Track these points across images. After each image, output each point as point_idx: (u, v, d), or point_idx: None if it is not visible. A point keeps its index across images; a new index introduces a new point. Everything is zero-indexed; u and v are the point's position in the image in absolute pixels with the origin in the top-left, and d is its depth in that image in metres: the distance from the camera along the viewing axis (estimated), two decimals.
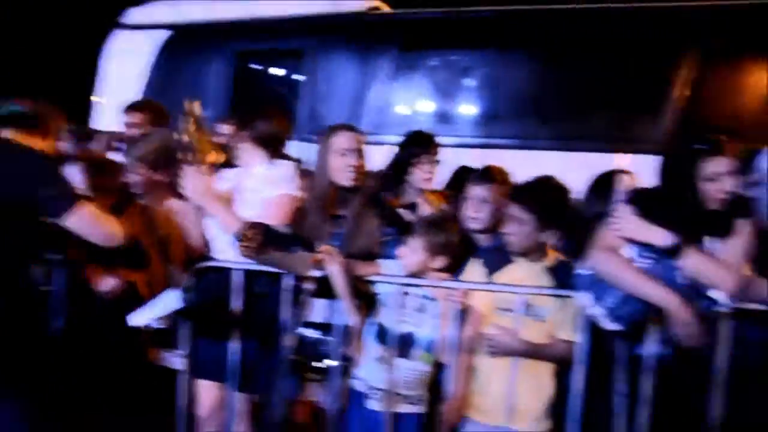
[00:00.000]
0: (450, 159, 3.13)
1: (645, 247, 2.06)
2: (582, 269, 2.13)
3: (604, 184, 2.60)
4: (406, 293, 2.41)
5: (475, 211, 2.53)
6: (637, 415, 2.17)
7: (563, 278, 2.25)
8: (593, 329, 2.17)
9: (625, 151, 3.09)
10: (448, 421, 2.37)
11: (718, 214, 2.05)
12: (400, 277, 2.41)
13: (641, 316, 2.04)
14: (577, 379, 2.22)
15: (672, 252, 2.01)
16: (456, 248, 2.44)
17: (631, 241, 2.08)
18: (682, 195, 2.04)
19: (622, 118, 3.75)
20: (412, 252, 2.40)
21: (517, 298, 2.27)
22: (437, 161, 2.93)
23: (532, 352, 2.32)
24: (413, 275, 2.40)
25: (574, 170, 2.79)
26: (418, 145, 2.86)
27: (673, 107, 3.54)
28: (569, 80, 3.86)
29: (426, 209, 2.74)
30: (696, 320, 2.00)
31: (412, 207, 2.74)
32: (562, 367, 2.33)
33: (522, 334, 2.29)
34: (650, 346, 2.12)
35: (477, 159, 3.04)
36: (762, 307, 2.11)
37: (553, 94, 3.88)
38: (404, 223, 2.64)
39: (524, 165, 2.72)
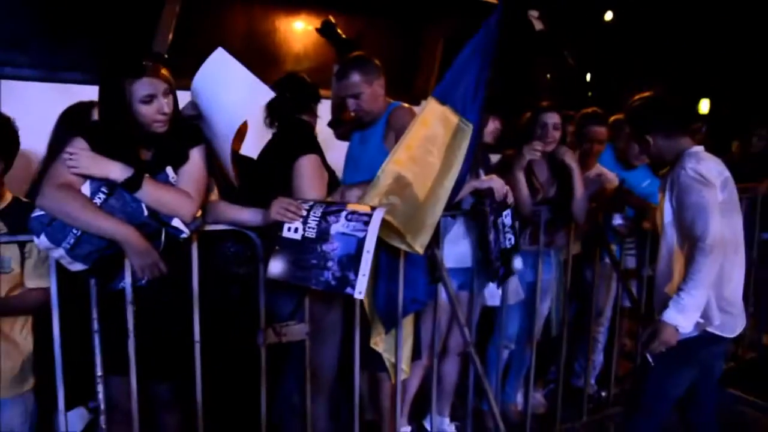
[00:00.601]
0: None
1: (102, 181, 2.00)
2: (36, 210, 1.96)
3: (73, 115, 2.45)
4: None
5: None
6: (127, 347, 2.18)
7: (21, 221, 2.01)
8: (66, 271, 2.05)
9: None
10: None
11: (173, 144, 2.11)
12: None
13: (102, 252, 1.99)
14: (55, 325, 2.09)
15: (129, 185, 2.01)
16: None
17: (88, 177, 1.99)
18: (121, 121, 2.01)
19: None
20: None
21: None
22: None
23: None
24: None
25: (59, 102, 2.59)
26: None
27: (158, 46, 3.52)
28: (57, 8, 3.45)
29: None
30: (150, 250, 2.02)
31: None
32: (43, 316, 2.16)
33: None
34: (126, 279, 2.12)
35: None
36: (225, 227, 2.31)
37: (39, 23, 3.43)
38: None
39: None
